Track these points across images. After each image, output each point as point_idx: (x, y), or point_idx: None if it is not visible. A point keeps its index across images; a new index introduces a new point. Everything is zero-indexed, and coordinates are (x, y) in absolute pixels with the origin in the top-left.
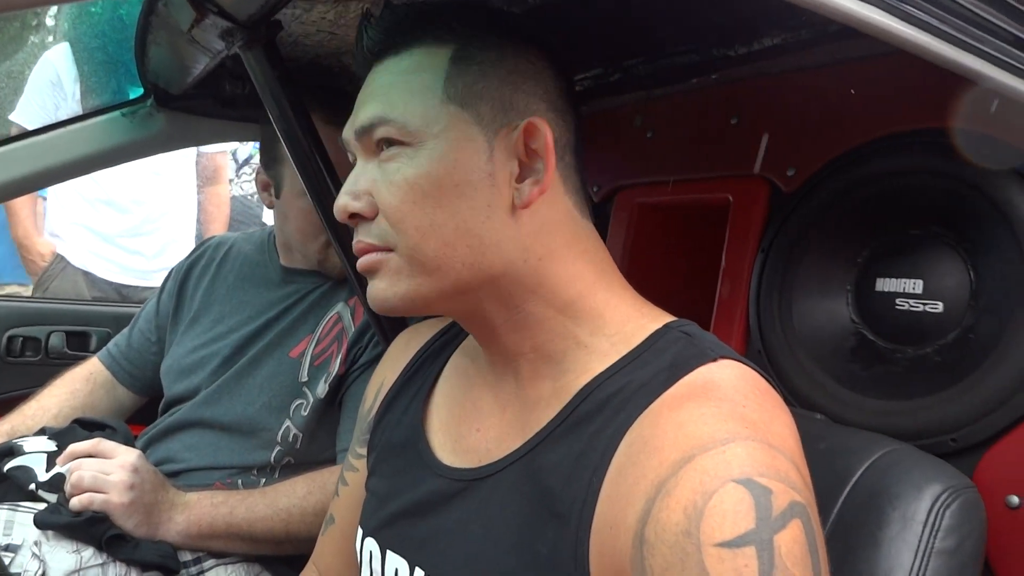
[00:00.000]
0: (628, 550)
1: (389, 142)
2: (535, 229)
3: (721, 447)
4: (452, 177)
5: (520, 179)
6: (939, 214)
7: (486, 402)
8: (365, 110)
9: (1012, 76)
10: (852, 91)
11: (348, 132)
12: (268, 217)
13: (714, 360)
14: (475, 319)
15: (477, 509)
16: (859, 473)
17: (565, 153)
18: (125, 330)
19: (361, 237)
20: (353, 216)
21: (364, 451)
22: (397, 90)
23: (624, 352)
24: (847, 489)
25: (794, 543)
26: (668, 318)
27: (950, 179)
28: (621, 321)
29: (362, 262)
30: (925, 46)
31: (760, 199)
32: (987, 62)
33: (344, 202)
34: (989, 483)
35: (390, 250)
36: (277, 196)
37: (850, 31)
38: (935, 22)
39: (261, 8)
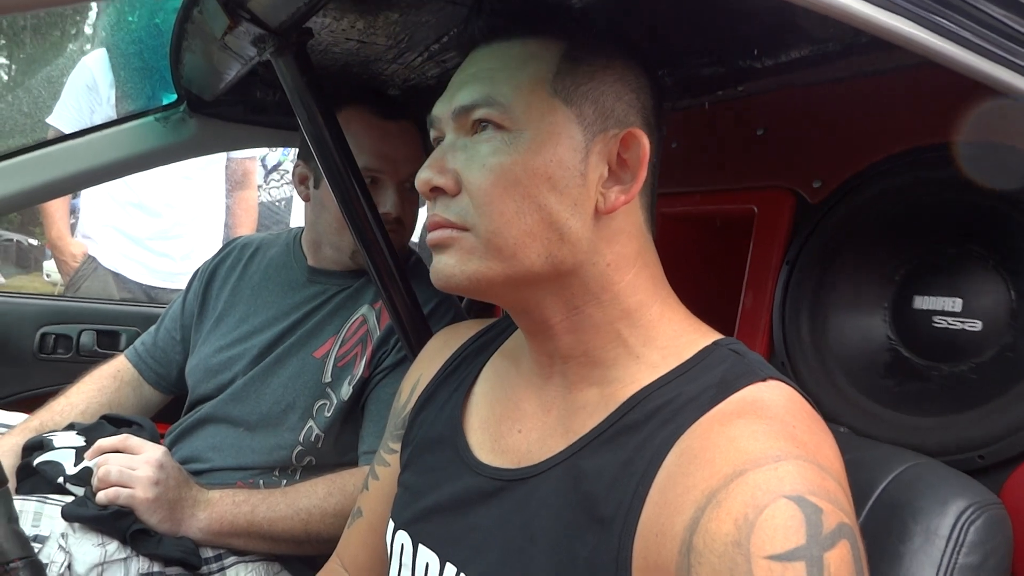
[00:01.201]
0: (675, 557)
1: (488, 124)
2: (610, 235)
3: (773, 463)
4: (547, 169)
5: (607, 185)
6: (977, 231)
7: (529, 403)
8: (470, 89)
9: None
10: (885, 101)
11: (443, 109)
12: (294, 222)
13: (763, 380)
14: (534, 315)
15: (515, 509)
16: (882, 486)
17: (647, 167)
18: (151, 329)
19: (439, 212)
20: (435, 190)
21: (397, 446)
22: (506, 74)
23: (674, 365)
24: (870, 502)
25: (842, 563)
26: (716, 335)
27: (985, 194)
28: (673, 335)
29: (434, 236)
30: (953, 57)
31: (785, 210)
32: (1017, 74)
33: (427, 176)
34: (1017, 501)
35: (466, 229)
36: (316, 187)
37: (878, 43)
38: (965, 33)
39: (292, 15)
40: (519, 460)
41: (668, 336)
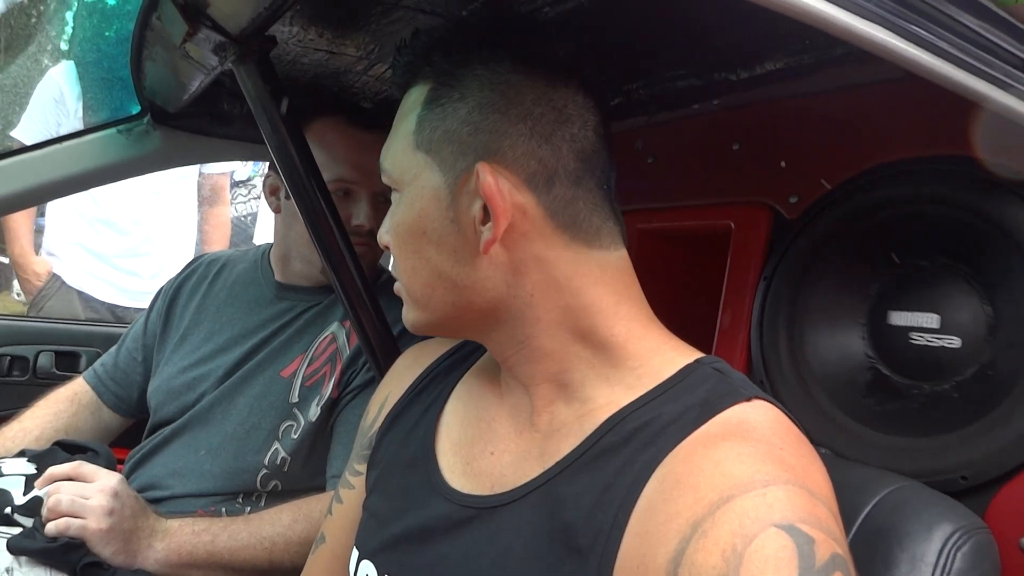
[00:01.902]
0: None
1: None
2: (514, 267)
3: (761, 489)
4: (419, 224)
5: (485, 221)
6: (951, 245)
7: (501, 424)
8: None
9: (1018, 100)
10: (861, 115)
11: None
12: (260, 238)
13: (748, 400)
14: (489, 349)
15: (488, 539)
16: (866, 511)
17: (554, 183)
18: (112, 349)
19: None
20: (386, 246)
21: (363, 468)
22: (392, 136)
23: (651, 386)
24: (854, 528)
25: None
26: (696, 353)
27: (961, 209)
28: (647, 354)
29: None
30: (931, 67)
31: (762, 226)
32: (993, 85)
33: (380, 231)
34: (1001, 524)
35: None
36: (287, 198)
37: (853, 56)
38: (942, 44)
39: (253, 22)
40: (492, 485)
41: (641, 355)
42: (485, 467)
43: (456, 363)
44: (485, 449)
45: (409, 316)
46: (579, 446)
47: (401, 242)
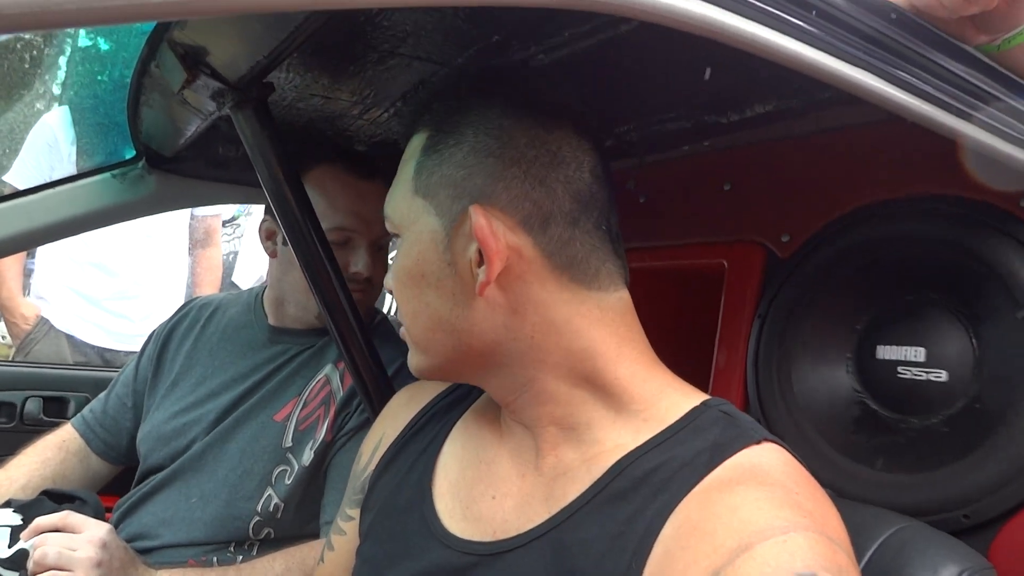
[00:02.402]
0: None
1: (391, 234)
2: (512, 309)
3: (781, 536)
4: (418, 269)
5: (480, 263)
6: (937, 281)
7: (502, 467)
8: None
9: (1003, 141)
10: (849, 155)
11: None
12: (238, 277)
13: (758, 443)
14: (492, 393)
15: None
16: (870, 552)
17: (549, 225)
18: (101, 395)
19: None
20: (391, 290)
21: (356, 513)
22: (394, 183)
23: (659, 429)
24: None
25: None
26: (702, 395)
27: (947, 246)
28: (652, 397)
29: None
30: (915, 110)
31: (755, 265)
32: (977, 127)
33: (385, 280)
34: (1006, 562)
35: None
36: (284, 244)
37: (840, 99)
38: (926, 87)
39: (252, 70)
40: (494, 531)
41: (646, 398)
42: (486, 511)
43: (454, 403)
44: (486, 492)
45: (413, 361)
46: (587, 491)
47: (402, 286)
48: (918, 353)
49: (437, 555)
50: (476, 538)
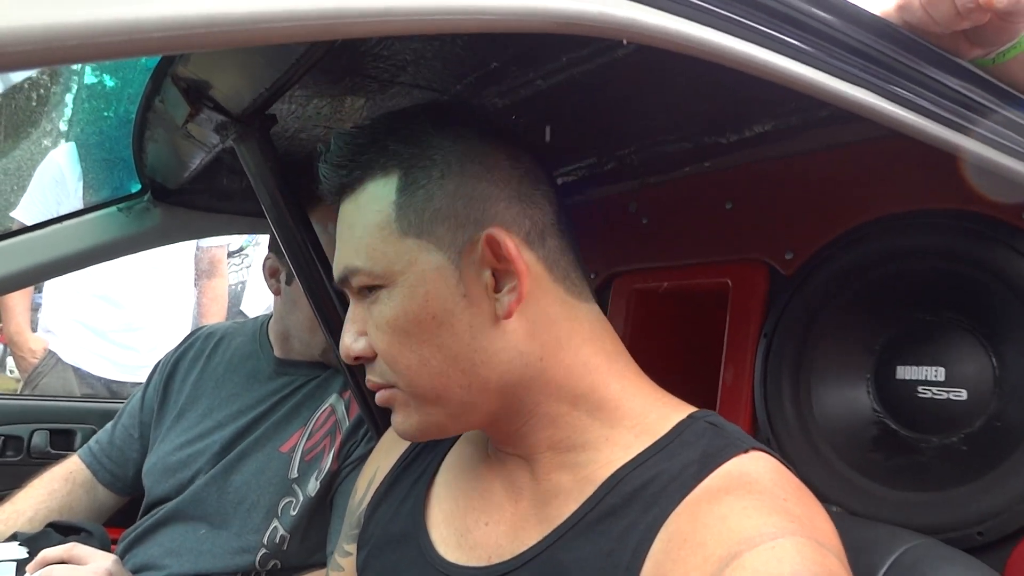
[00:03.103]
0: None
1: (368, 288)
2: (527, 331)
3: (770, 543)
4: (428, 310)
5: (498, 288)
6: (951, 298)
7: (496, 492)
8: (337, 260)
9: (1002, 154)
10: (849, 172)
11: (335, 279)
12: (246, 306)
13: (745, 452)
14: (490, 428)
15: None
16: (883, 570)
17: (545, 238)
18: (108, 426)
19: (369, 376)
20: (358, 357)
21: (353, 548)
22: (358, 233)
23: (648, 443)
24: None
25: None
26: (689, 408)
27: (957, 261)
28: (641, 412)
29: (377, 398)
30: (914, 125)
31: (759, 283)
32: (975, 140)
33: (347, 344)
34: None
35: (394, 386)
36: (287, 283)
37: (839, 117)
38: (923, 102)
39: (255, 102)
40: (489, 556)
41: (637, 413)
42: (480, 538)
43: None
44: (479, 519)
45: (412, 420)
46: (579, 509)
47: (403, 337)
48: (938, 372)
49: None
50: (471, 564)
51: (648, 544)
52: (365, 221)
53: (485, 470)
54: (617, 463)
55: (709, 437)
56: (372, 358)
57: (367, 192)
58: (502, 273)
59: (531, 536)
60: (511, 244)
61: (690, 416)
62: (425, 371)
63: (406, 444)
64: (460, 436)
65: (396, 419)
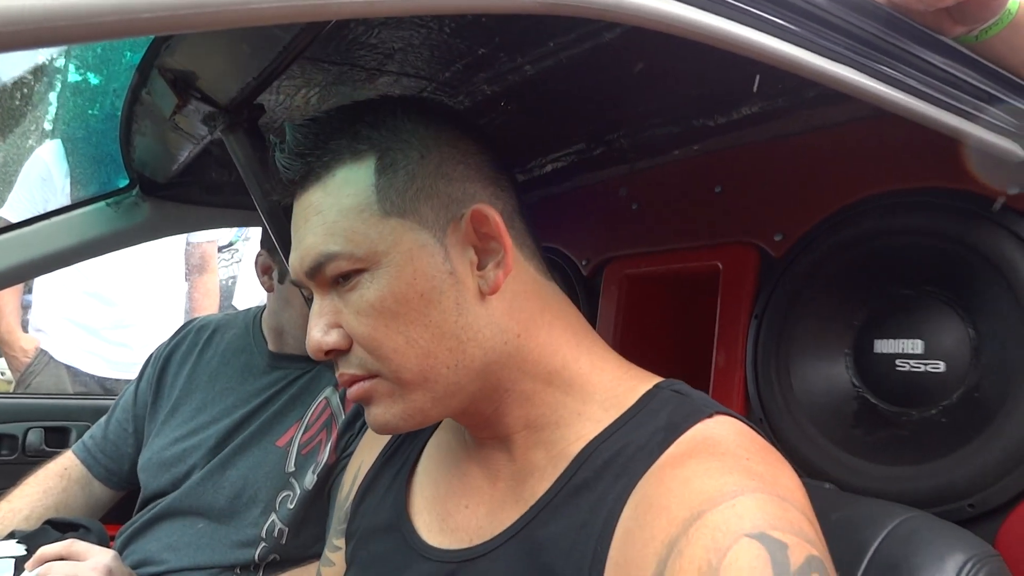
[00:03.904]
0: None
1: (344, 275)
2: (506, 307)
3: (730, 501)
4: (416, 288)
5: (481, 265)
6: (932, 273)
7: (474, 476)
8: (305, 251)
9: (985, 130)
10: (837, 153)
11: (297, 272)
12: (238, 301)
13: (710, 416)
14: (468, 413)
15: None
16: (876, 544)
17: (514, 220)
18: (101, 421)
19: (343, 369)
20: (329, 352)
21: (341, 542)
22: (332, 218)
23: (616, 415)
24: (865, 561)
25: None
26: (656, 378)
27: (936, 237)
28: (610, 385)
29: (352, 393)
30: (899, 103)
31: (750, 265)
32: (960, 117)
33: (317, 339)
34: (1013, 549)
35: (375, 376)
36: (280, 281)
37: (826, 97)
38: (910, 80)
39: (242, 92)
40: (470, 538)
41: (606, 387)
42: (462, 521)
43: None
44: (460, 503)
45: (395, 409)
46: (552, 486)
47: (389, 318)
48: (915, 345)
49: (417, 569)
50: (454, 547)
51: (618, 513)
52: (340, 206)
53: (463, 455)
54: (588, 437)
55: (674, 404)
56: (346, 350)
57: (337, 178)
58: (483, 250)
59: (509, 516)
60: (498, 219)
61: (656, 386)
62: (412, 352)
63: (388, 438)
64: (439, 425)
65: (375, 411)
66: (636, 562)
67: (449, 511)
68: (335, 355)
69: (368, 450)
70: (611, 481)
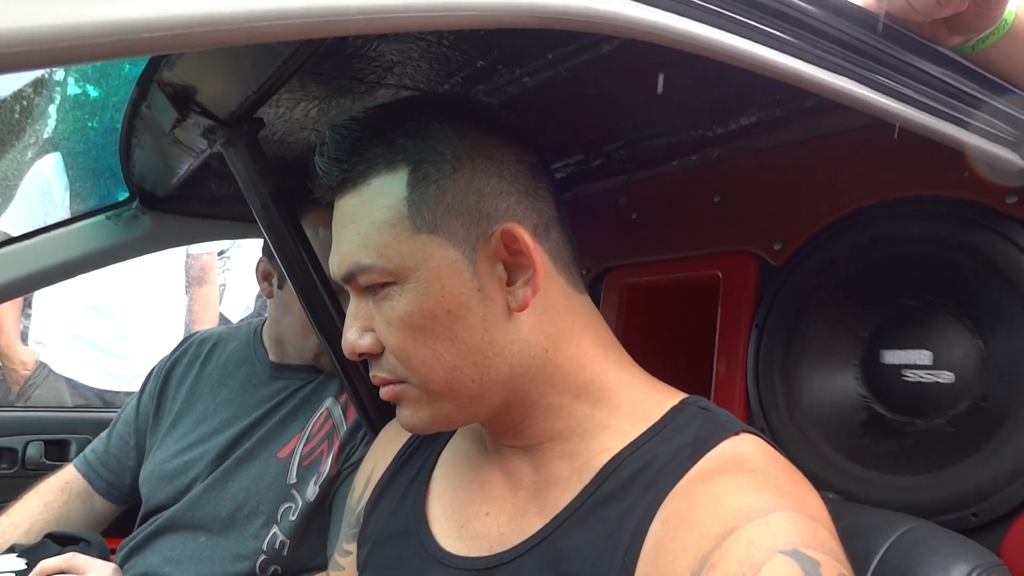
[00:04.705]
0: None
1: (377, 285)
2: (535, 323)
3: (763, 517)
4: (442, 305)
5: (511, 282)
6: (935, 282)
7: (495, 484)
8: (341, 258)
9: (983, 139)
10: (836, 162)
11: (335, 276)
12: (225, 308)
13: (736, 434)
14: (494, 421)
15: None
16: (881, 553)
17: (550, 231)
18: (103, 434)
19: (376, 372)
20: (363, 354)
21: (353, 547)
22: (365, 230)
23: (643, 429)
24: (870, 570)
25: None
26: (681, 394)
27: (940, 246)
28: (637, 398)
29: (383, 393)
30: (896, 113)
31: (750, 274)
32: (961, 127)
33: (352, 340)
34: (1018, 559)
35: (404, 382)
36: (279, 287)
37: (824, 107)
38: (906, 90)
39: (242, 106)
40: (491, 546)
41: (633, 400)
42: (481, 529)
43: None
44: (480, 511)
45: (422, 414)
46: (578, 496)
47: (417, 332)
48: (924, 356)
49: (436, 575)
50: (474, 554)
51: (647, 525)
52: (373, 218)
53: (484, 462)
54: (614, 449)
55: (701, 420)
56: (379, 353)
57: (372, 187)
58: (513, 266)
59: (532, 524)
60: (528, 238)
61: (682, 401)
62: (439, 365)
63: (402, 442)
64: (456, 431)
65: (405, 413)
66: (666, 574)
67: (468, 518)
68: (368, 357)
69: (382, 453)
70: (639, 493)
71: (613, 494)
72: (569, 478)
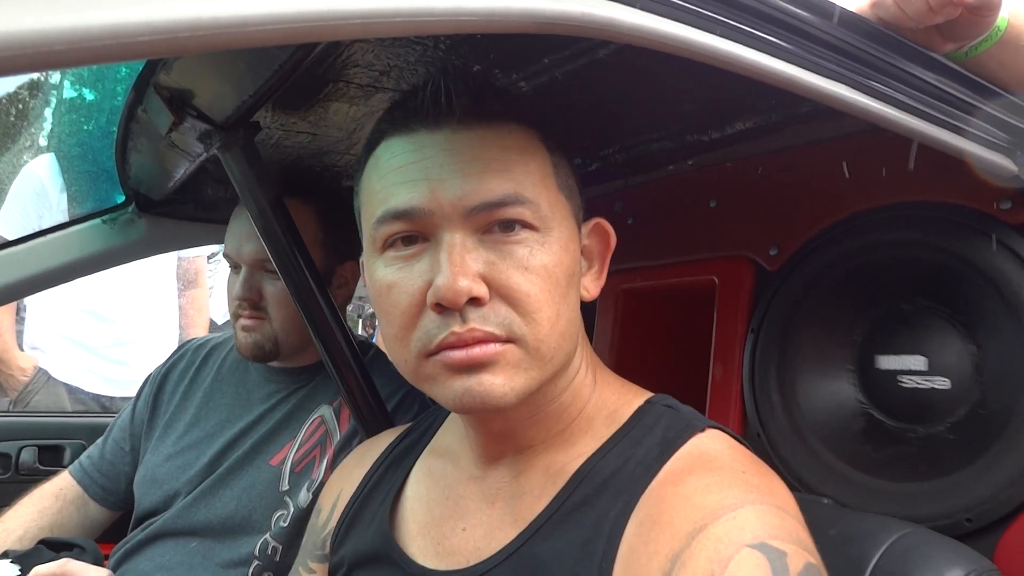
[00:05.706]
0: None
1: (518, 223)
2: (578, 318)
3: (731, 513)
4: (571, 266)
5: (584, 274)
6: (928, 287)
7: (471, 499)
8: (492, 182)
9: (977, 145)
10: (831, 167)
11: (444, 200)
12: (215, 313)
13: (702, 431)
14: (524, 406)
15: None
16: (875, 559)
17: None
18: (99, 441)
19: (478, 325)
20: (471, 300)
21: (317, 567)
22: (521, 170)
23: (612, 431)
24: None
25: None
26: (647, 393)
27: (933, 251)
28: (610, 401)
29: (479, 353)
30: (891, 118)
31: (745, 279)
32: (949, 131)
33: (464, 285)
34: (1011, 564)
35: (511, 341)
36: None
37: (819, 112)
38: (901, 96)
39: (238, 110)
40: (467, 559)
41: (607, 402)
42: (458, 544)
43: (408, 448)
44: (456, 526)
45: (517, 382)
46: (552, 502)
47: (553, 286)
48: (919, 362)
49: None
50: (452, 568)
51: (621, 530)
52: (525, 162)
53: (460, 479)
54: (587, 454)
55: (667, 419)
56: (487, 302)
57: (515, 134)
58: (586, 256)
59: (507, 535)
60: (613, 238)
61: (648, 401)
62: (557, 326)
63: (368, 465)
64: (423, 451)
65: (495, 380)
66: None
67: (445, 534)
68: (471, 304)
69: (347, 479)
70: (611, 498)
71: (586, 500)
72: (544, 485)
